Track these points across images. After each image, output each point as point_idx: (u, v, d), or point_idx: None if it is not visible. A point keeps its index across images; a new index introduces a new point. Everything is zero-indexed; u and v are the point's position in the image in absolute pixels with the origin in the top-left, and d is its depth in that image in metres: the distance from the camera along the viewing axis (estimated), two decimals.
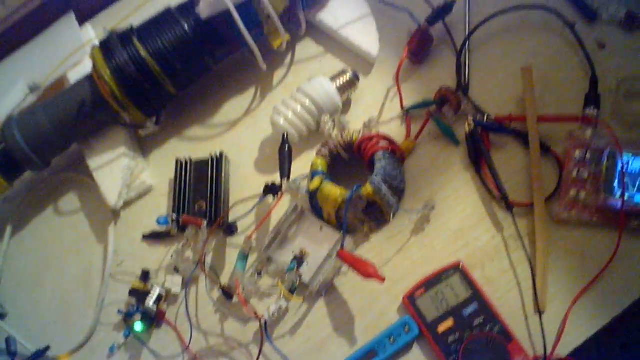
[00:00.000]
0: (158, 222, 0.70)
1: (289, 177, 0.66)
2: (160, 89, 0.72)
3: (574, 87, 0.69)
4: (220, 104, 0.79)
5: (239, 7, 0.69)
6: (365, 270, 0.59)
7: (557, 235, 0.63)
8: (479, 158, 0.67)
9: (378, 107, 0.74)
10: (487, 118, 0.68)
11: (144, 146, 0.80)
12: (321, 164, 0.66)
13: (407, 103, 0.72)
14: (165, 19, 0.72)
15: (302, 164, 0.72)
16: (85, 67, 0.81)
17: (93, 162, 0.76)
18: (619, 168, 0.62)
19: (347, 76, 0.72)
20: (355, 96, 0.74)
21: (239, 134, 0.77)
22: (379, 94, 0.74)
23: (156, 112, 0.76)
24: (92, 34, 0.88)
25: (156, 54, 0.70)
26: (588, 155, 0.64)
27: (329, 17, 0.77)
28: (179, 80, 0.73)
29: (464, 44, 0.72)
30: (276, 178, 0.69)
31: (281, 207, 0.69)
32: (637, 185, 0.62)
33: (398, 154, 0.66)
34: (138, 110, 0.72)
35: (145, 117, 0.74)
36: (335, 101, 0.70)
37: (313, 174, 0.65)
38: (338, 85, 0.71)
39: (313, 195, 0.65)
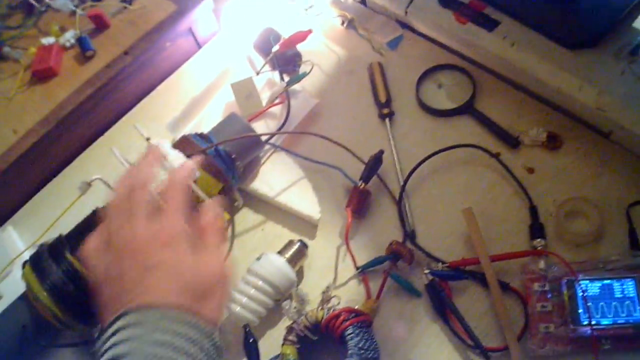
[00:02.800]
0: None
1: None
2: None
3: (514, 215, 0.72)
4: None
5: None
6: None
7: None
8: (444, 308, 0.67)
9: (332, 270, 0.73)
10: (442, 266, 0.68)
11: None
12: (291, 352, 0.63)
13: (360, 260, 0.71)
14: (95, 223, 0.68)
15: (268, 345, 0.69)
16: (15, 278, 0.76)
17: None
18: (580, 296, 0.64)
19: (295, 247, 0.71)
20: (306, 262, 0.73)
21: None
22: (329, 255, 0.74)
23: None
24: (14, 236, 0.83)
25: None
26: (547, 287, 0.65)
27: (263, 186, 0.77)
28: None
29: (401, 194, 0.74)
30: None
31: None
32: (599, 309, 0.64)
33: (366, 322, 0.65)
34: (83, 325, 0.68)
35: (92, 329, 0.70)
36: (289, 276, 0.69)
37: None
38: (288, 258, 0.70)
39: None
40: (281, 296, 0.69)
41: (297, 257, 0.71)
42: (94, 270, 0.50)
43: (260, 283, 0.68)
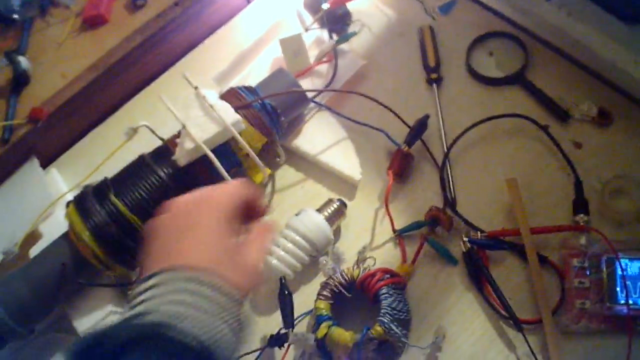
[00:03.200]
0: None
1: (293, 326, 0.64)
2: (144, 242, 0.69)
3: (558, 189, 0.71)
4: None
5: (216, 151, 0.68)
6: None
7: (569, 347, 0.63)
8: (479, 277, 0.66)
9: (369, 231, 0.73)
10: (481, 235, 0.68)
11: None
12: (325, 307, 0.64)
13: (398, 224, 0.71)
14: (140, 168, 0.70)
15: (301, 300, 0.69)
16: (57, 219, 0.78)
17: (80, 324, 0.71)
18: (619, 274, 0.63)
19: (335, 205, 0.71)
20: (344, 222, 0.73)
21: None
22: (367, 216, 0.74)
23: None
24: (58, 178, 0.85)
25: (136, 207, 0.68)
26: (586, 263, 0.64)
27: (305, 144, 0.77)
28: None
29: (444, 160, 0.73)
30: (277, 321, 0.67)
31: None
32: (638, 289, 0.63)
33: (400, 284, 0.65)
34: (123, 267, 0.69)
35: (131, 271, 0.72)
36: (326, 233, 0.69)
37: (318, 319, 0.64)
38: (326, 216, 0.70)
39: (321, 341, 0.63)
40: (317, 253, 0.69)
41: (336, 216, 0.71)
42: (151, 226, 0.51)
43: (297, 238, 0.68)
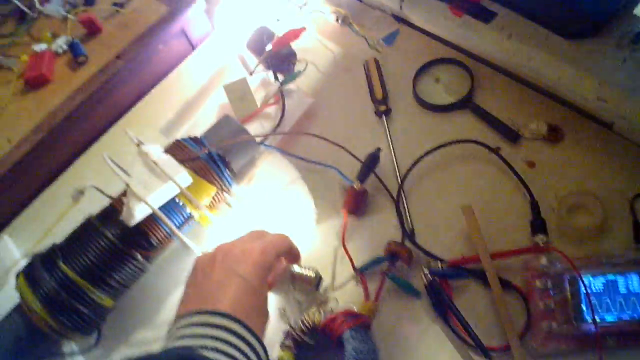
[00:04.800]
0: None
1: None
2: (97, 306, 0.67)
3: (516, 211, 0.70)
4: (162, 297, 0.75)
5: (165, 206, 0.66)
6: None
7: None
8: (444, 308, 0.65)
9: (330, 272, 0.71)
10: (442, 265, 0.67)
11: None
12: (288, 358, 0.62)
13: (358, 261, 0.70)
14: (87, 231, 0.68)
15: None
16: (12, 288, 0.75)
17: None
18: (583, 292, 0.62)
19: (307, 273, 0.69)
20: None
21: None
22: (327, 256, 0.72)
23: (97, 328, 0.70)
24: (10, 246, 0.82)
25: (86, 272, 0.65)
26: (549, 284, 0.63)
27: (258, 187, 0.76)
28: (115, 292, 0.68)
29: (399, 192, 0.72)
30: None
31: None
32: (604, 305, 0.62)
33: (364, 324, 0.64)
34: (78, 334, 0.67)
35: (87, 336, 0.69)
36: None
37: None
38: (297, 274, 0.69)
39: None
40: None
41: (302, 283, 0.69)
42: (192, 272, 0.62)
43: None
